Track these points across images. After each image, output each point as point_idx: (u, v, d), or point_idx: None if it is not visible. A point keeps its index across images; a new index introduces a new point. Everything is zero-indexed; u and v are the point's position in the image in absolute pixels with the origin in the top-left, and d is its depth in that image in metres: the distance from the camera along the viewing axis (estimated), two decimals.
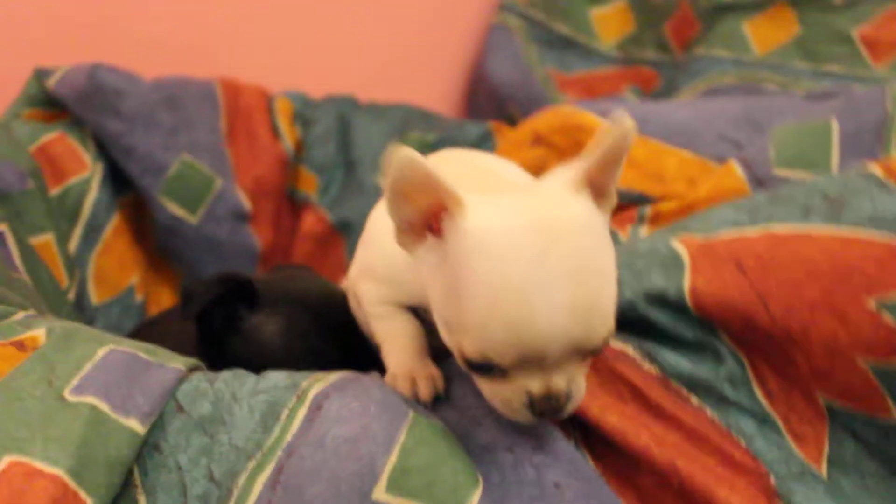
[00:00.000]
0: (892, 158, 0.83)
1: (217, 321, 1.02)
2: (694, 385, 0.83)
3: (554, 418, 0.75)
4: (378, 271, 0.93)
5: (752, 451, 0.80)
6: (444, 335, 0.76)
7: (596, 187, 0.73)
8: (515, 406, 0.72)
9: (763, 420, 0.81)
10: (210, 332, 1.04)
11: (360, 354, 0.99)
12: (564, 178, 0.72)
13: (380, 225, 0.92)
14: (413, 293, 0.88)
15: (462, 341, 0.70)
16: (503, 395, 0.72)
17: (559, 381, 0.71)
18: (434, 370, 0.88)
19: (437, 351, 0.94)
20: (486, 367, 0.71)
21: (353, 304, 1.03)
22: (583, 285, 0.67)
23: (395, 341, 0.91)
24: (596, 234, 0.72)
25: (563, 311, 0.67)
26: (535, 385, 0.71)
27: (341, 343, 1.01)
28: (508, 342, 0.68)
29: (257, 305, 1.02)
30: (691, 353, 0.85)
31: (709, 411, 0.82)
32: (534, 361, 0.69)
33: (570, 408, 0.73)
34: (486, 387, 0.74)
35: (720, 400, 0.82)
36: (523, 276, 0.67)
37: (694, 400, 0.83)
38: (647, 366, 0.84)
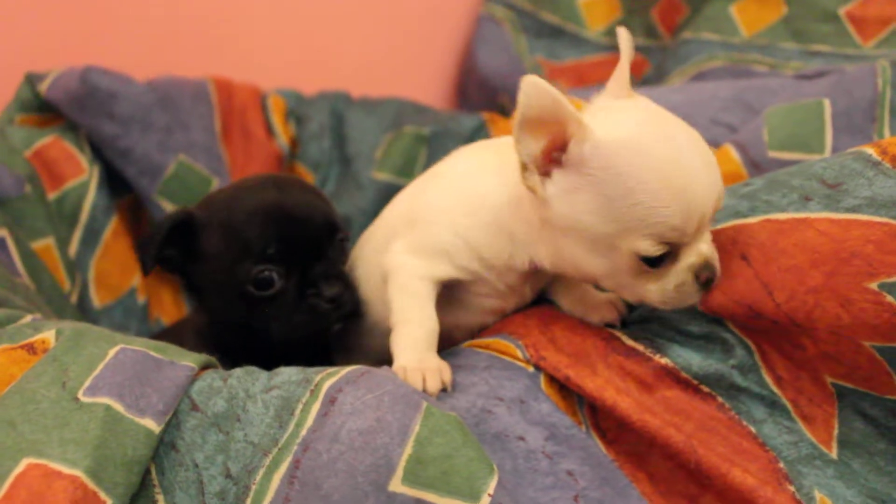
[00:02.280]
0: (886, 140, 0.83)
1: (177, 258, 1.03)
2: (704, 376, 0.84)
3: (711, 288, 0.84)
4: (443, 243, 0.94)
5: (762, 437, 0.81)
6: (600, 257, 0.83)
7: None
8: (688, 285, 0.83)
9: (773, 404, 0.82)
10: (181, 273, 1.06)
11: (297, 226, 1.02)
12: (621, 85, 0.88)
13: (442, 202, 0.97)
14: (480, 254, 0.93)
15: (636, 242, 0.79)
16: (674, 281, 0.82)
17: (707, 247, 0.83)
18: (442, 362, 0.89)
19: (444, 343, 0.96)
20: (659, 258, 0.80)
21: (365, 283, 1.05)
22: (703, 148, 0.82)
23: (409, 328, 0.92)
24: None
25: (706, 170, 0.80)
26: (694, 258, 0.82)
27: (277, 216, 1.01)
28: (685, 211, 0.78)
29: (200, 226, 1.02)
30: (701, 348, 0.86)
31: (719, 399, 0.83)
32: (697, 227, 0.80)
33: (718, 270, 0.84)
34: (655, 288, 0.83)
35: (730, 387, 0.83)
36: (673, 154, 0.78)
37: (704, 388, 0.84)
38: (658, 358, 0.85)
